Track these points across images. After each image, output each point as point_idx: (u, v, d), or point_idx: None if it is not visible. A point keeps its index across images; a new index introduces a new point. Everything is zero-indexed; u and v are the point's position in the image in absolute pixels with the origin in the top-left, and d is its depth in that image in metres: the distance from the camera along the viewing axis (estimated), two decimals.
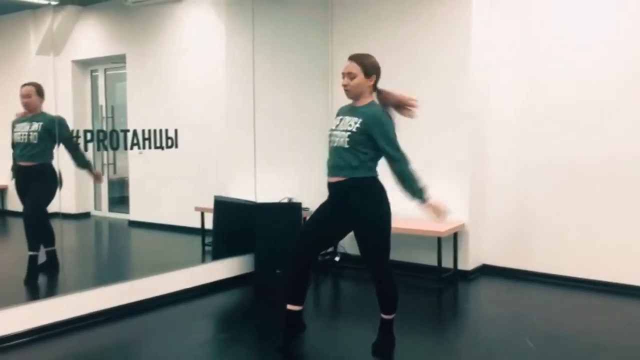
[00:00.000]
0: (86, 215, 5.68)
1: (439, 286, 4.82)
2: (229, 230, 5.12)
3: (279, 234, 4.82)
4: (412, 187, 3.18)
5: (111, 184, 5.73)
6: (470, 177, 4.98)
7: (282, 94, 5.45)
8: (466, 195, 4.98)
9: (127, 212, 5.71)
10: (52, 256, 4.39)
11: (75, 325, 3.85)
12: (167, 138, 4.45)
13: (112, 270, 5.24)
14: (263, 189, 5.24)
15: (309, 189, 5.30)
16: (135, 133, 4.24)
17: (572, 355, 3.41)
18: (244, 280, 4.97)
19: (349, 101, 3.38)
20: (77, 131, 3.99)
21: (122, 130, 4.20)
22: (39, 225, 4.32)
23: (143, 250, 5.81)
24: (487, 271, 5.16)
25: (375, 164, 3.27)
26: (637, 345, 3.58)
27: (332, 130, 3.32)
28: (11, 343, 3.55)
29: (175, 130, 4.50)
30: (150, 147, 4.32)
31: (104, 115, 5.40)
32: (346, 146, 3.19)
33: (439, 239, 4.80)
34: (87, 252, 5.68)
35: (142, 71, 5.54)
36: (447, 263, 4.95)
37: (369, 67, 3.27)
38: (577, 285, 4.70)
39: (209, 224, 5.37)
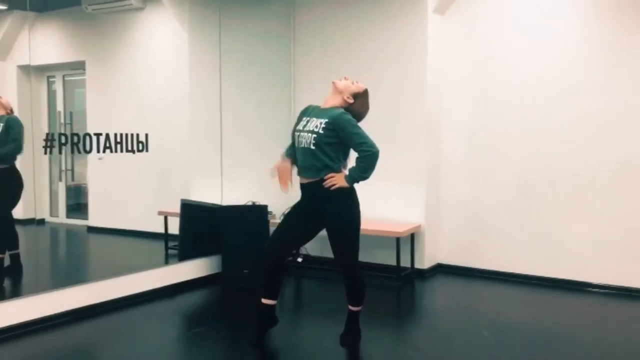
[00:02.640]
0: (40, 222, 5.62)
1: (398, 284, 5.09)
2: (196, 232, 5.25)
3: (246, 236, 5.00)
4: (365, 174, 3.38)
5: (69, 190, 5.73)
6: (425, 183, 5.30)
7: (246, 102, 5.63)
8: (422, 199, 5.29)
9: (85, 218, 5.70)
10: (15, 259, 4.42)
11: (42, 326, 3.93)
12: (138, 142, 4.56)
13: (77, 272, 5.26)
14: (226, 193, 5.40)
15: (271, 194, 5.48)
16: (107, 137, 4.33)
17: (523, 343, 3.73)
18: (212, 281, 5.12)
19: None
20: (52, 134, 4.05)
21: (95, 134, 4.29)
22: (3, 229, 4.34)
23: (106, 254, 5.82)
24: (441, 270, 5.49)
25: (342, 164, 3.48)
26: (579, 333, 3.94)
27: (299, 130, 3.50)
28: None
29: (146, 135, 4.61)
30: (122, 151, 4.42)
31: (62, 121, 5.38)
32: (312, 147, 3.39)
33: (398, 240, 5.08)
34: (48, 256, 5.66)
35: (102, 78, 5.58)
36: (405, 262, 5.24)
37: (360, 97, 3.51)
38: (524, 282, 5.08)
39: (172, 229, 5.47)
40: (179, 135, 5.34)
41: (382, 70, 5.42)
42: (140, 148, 4.60)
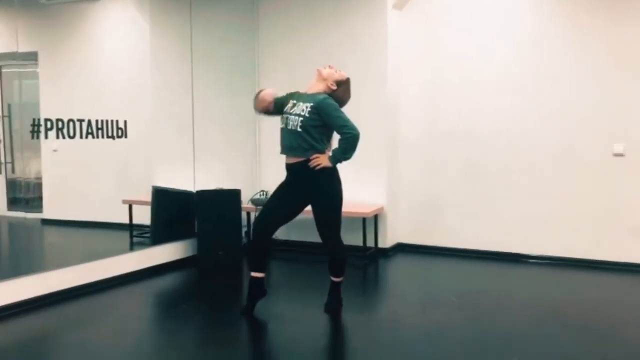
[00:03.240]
0: None
1: (364, 262, 5.44)
2: (169, 218, 5.40)
3: (220, 219, 5.21)
4: (346, 155, 3.70)
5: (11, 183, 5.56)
6: (387, 167, 5.68)
7: (210, 91, 5.75)
8: (384, 182, 5.67)
9: (38, 210, 5.49)
10: None
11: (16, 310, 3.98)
12: (118, 128, 4.69)
13: (48, 260, 5.26)
14: (191, 180, 5.55)
15: (238, 180, 5.72)
16: (89, 122, 4.45)
17: (485, 306, 4.19)
18: (187, 263, 5.30)
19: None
20: (38, 120, 4.13)
21: (78, 120, 4.39)
22: None
23: (71, 244, 5.80)
24: (401, 249, 5.90)
25: (326, 145, 3.79)
26: (530, 299, 4.41)
27: (287, 113, 3.79)
28: None
29: (125, 122, 4.74)
30: (103, 137, 4.53)
31: None
32: (299, 129, 3.68)
33: (364, 220, 5.43)
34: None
35: (57, 69, 5.50)
36: (369, 242, 5.60)
37: (342, 84, 3.83)
38: (477, 256, 5.55)
39: (136, 218, 5.49)
40: (139, 125, 5.33)
41: (344, 60, 5.72)
42: (120, 134, 4.70)
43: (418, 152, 5.83)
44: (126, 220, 5.49)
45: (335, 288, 3.99)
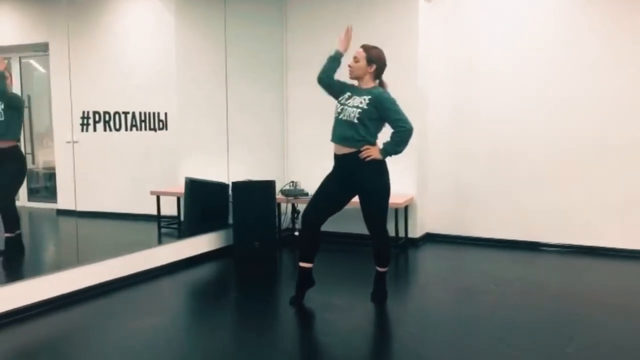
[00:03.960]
0: None
1: (396, 252, 5.51)
2: (203, 209, 5.44)
3: (255, 210, 5.27)
4: (398, 148, 3.77)
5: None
6: (416, 158, 5.74)
7: (240, 83, 5.76)
8: (414, 173, 5.74)
9: (49, 201, 5.36)
10: (17, 240, 4.42)
11: (65, 302, 4.03)
12: (159, 121, 4.73)
13: (85, 254, 5.28)
14: (222, 171, 5.59)
15: (265, 170, 5.77)
16: (134, 115, 4.49)
17: (526, 294, 4.29)
18: (224, 254, 5.37)
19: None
20: (87, 112, 4.16)
21: (123, 112, 4.43)
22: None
23: (100, 237, 5.83)
24: (430, 238, 5.98)
25: (377, 137, 3.86)
26: (568, 286, 4.51)
27: (342, 103, 3.85)
28: None
29: (165, 114, 4.78)
30: (146, 129, 4.57)
31: None
32: (355, 121, 3.74)
33: (396, 210, 5.51)
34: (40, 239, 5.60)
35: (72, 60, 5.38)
36: (399, 232, 5.68)
37: (373, 56, 3.86)
38: (506, 245, 5.64)
39: (163, 209, 5.51)
40: (162, 116, 5.20)
41: None
42: (161, 127, 4.74)
43: (446, 143, 5.90)
44: (150, 212, 5.47)
45: (380, 278, 4.07)
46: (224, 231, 5.45)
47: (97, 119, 4.22)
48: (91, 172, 5.32)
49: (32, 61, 5.14)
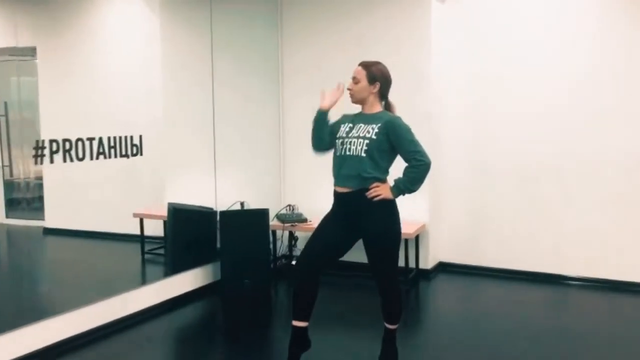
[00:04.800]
0: None
1: (406, 288, 4.88)
2: (188, 240, 4.83)
3: (246, 244, 4.64)
4: (413, 186, 3.17)
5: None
6: (430, 181, 5.07)
7: (231, 96, 5.16)
8: (426, 197, 5.08)
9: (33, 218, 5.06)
10: None
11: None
12: (132, 145, 4.10)
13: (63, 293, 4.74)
14: (209, 193, 4.98)
15: (259, 191, 5.17)
16: (100, 141, 3.85)
17: (540, 338, 3.69)
18: (210, 290, 4.77)
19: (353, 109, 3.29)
20: (42, 142, 3.54)
21: (88, 139, 3.79)
22: None
23: (75, 263, 5.31)
24: (442, 269, 5.34)
25: (387, 173, 3.23)
26: (599, 329, 3.87)
27: (343, 137, 3.21)
28: None
29: (140, 137, 4.15)
30: (115, 156, 3.95)
31: None
32: (362, 155, 3.11)
33: (406, 241, 4.87)
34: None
35: (58, 66, 4.94)
36: (409, 263, 5.05)
37: (374, 73, 3.21)
38: (523, 278, 5.03)
39: (147, 231, 4.96)
40: (151, 130, 4.84)
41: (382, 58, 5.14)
42: (135, 152, 4.12)
43: (462, 165, 5.25)
44: (134, 232, 4.91)
45: (390, 337, 3.41)
46: (211, 265, 4.83)
47: (54, 148, 3.56)
48: (74, 189, 4.83)
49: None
